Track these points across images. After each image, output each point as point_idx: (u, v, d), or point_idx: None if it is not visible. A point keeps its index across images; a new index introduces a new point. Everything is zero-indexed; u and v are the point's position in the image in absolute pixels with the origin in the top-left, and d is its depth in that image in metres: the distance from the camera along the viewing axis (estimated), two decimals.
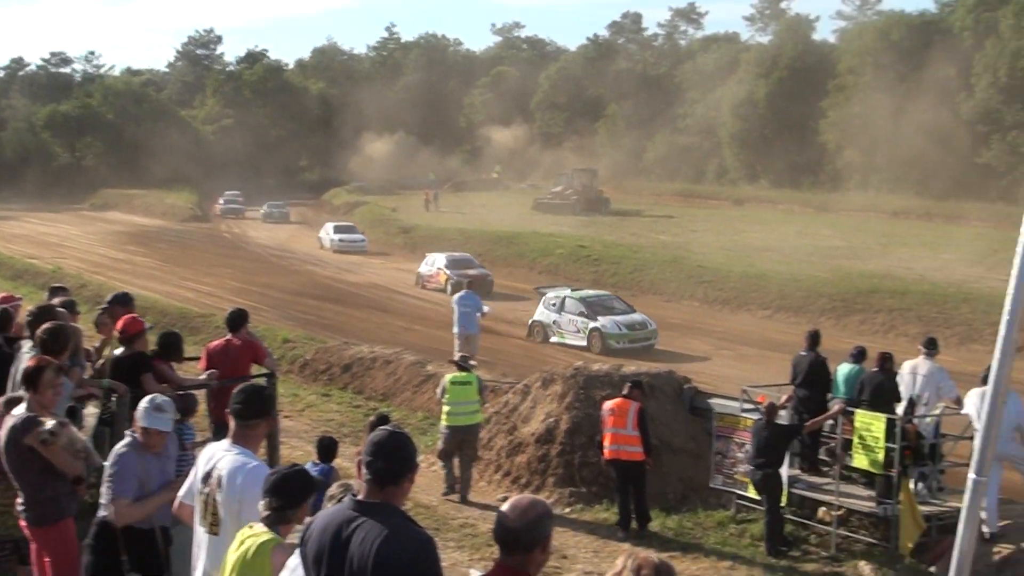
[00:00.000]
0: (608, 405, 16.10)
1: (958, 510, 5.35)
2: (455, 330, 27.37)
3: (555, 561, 14.05)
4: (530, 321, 34.51)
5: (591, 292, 36.09)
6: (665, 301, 42.59)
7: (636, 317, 33.32)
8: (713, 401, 18.13)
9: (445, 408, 17.78)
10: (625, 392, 16.14)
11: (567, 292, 34.60)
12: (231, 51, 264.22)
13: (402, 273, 51.92)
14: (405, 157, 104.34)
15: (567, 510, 16.87)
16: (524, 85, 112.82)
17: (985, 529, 14.12)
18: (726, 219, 68.48)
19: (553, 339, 33.30)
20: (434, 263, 46.23)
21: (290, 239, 69.00)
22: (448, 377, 18.08)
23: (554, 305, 33.87)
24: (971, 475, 5.20)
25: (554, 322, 33.60)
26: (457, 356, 19.30)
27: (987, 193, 65.41)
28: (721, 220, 67.66)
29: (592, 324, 32.46)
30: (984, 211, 61.50)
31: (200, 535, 6.78)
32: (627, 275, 46.93)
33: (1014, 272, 5.19)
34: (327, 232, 64.30)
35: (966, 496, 5.26)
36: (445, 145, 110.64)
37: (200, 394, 13.15)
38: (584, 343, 32.29)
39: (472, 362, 19.50)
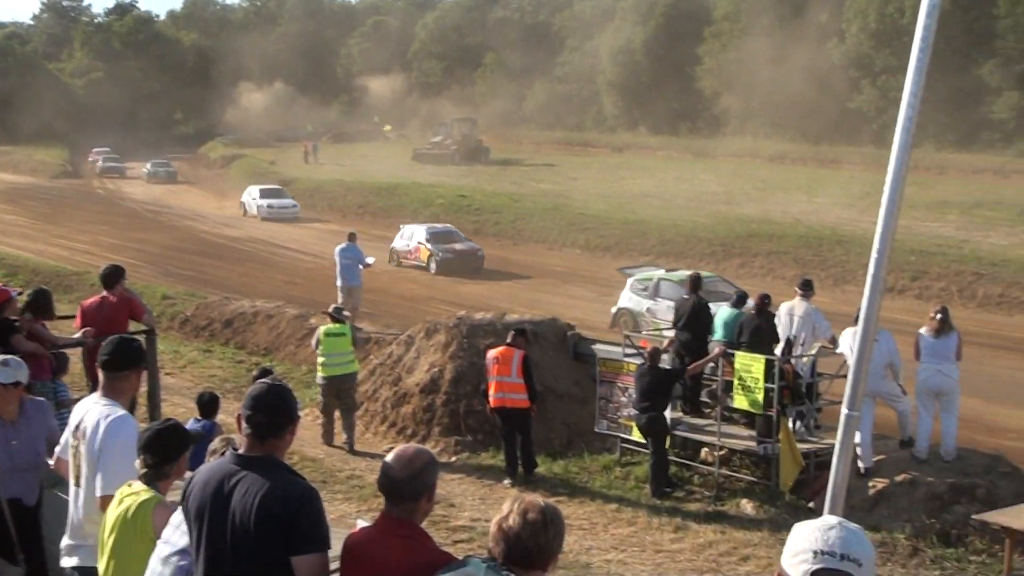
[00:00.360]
0: (492, 353, 16.13)
1: (835, 447, 5.49)
2: (338, 283, 27.15)
3: (442, 509, 14.11)
4: (614, 309, 28.18)
5: (689, 273, 30.18)
6: (547, 249, 42.85)
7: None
8: (596, 347, 18.29)
9: (320, 359, 17.90)
10: (509, 340, 16.18)
11: (660, 273, 28.32)
12: (99, 3, 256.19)
13: (282, 227, 51.45)
14: (283, 108, 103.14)
15: (453, 459, 16.95)
16: (402, 35, 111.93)
17: (860, 464, 14.53)
18: (606, 166, 69.00)
19: (648, 330, 26.38)
20: (412, 236, 40.02)
21: (171, 196, 67.57)
22: (322, 329, 18.17)
23: (645, 290, 27.62)
24: (844, 410, 5.35)
25: (647, 310, 27.24)
26: (331, 308, 19.18)
27: (859, 137, 66.84)
28: (601, 167, 68.14)
29: None
30: (857, 155, 62.89)
31: (72, 488, 6.72)
32: (508, 224, 47.07)
33: (882, 213, 5.32)
34: (251, 196, 57.11)
35: (839, 431, 5.41)
36: (323, 96, 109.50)
37: (77, 353, 12.89)
38: None
39: (346, 313, 19.55)
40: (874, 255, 5.37)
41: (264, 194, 56.98)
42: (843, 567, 2.98)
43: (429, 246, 38.84)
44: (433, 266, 38.30)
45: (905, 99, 5.39)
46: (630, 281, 28.20)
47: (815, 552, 3.01)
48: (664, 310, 26.13)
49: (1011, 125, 63.02)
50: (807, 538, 3.06)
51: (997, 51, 63.74)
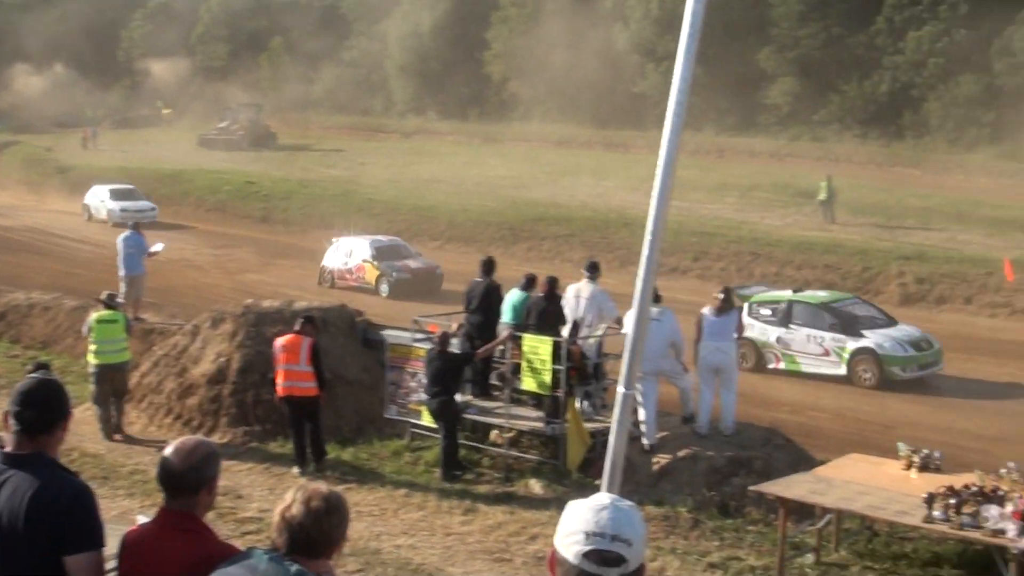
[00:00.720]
0: (280, 342, 15.91)
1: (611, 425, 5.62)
2: (120, 272, 26.34)
3: (230, 501, 13.91)
4: None
5: (825, 293, 25.85)
6: (337, 236, 42.44)
7: (913, 331, 23.95)
8: (386, 333, 18.28)
9: (92, 347, 17.52)
10: (297, 328, 15.99)
11: (788, 294, 24.58)
12: None
13: (60, 216, 49.63)
14: (62, 92, 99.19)
15: (242, 450, 16.69)
16: (187, 17, 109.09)
17: (645, 441, 14.94)
18: (396, 151, 68.79)
19: (778, 365, 23.58)
20: (352, 253, 33.74)
21: None
22: (94, 315, 17.78)
23: (771, 315, 23.91)
24: (620, 389, 5.47)
25: (778, 340, 23.56)
26: (103, 294, 18.63)
27: (645, 122, 68.28)
28: (390, 153, 67.91)
29: (857, 343, 22.86)
30: (642, 139, 64.26)
31: None
32: (297, 211, 46.54)
33: (655, 195, 5.46)
34: (99, 199, 48.54)
35: (615, 409, 5.53)
36: (105, 80, 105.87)
37: None
38: (841, 371, 22.97)
39: (119, 300, 19.08)
40: (648, 236, 5.51)
41: (116, 195, 48.35)
42: (614, 548, 2.97)
43: (377, 264, 32.89)
44: (385, 288, 32.38)
45: (675, 83, 5.55)
46: (748, 305, 23.94)
47: (586, 533, 3.00)
48: (802, 340, 23.23)
49: (785, 110, 65.54)
50: (579, 518, 3.04)
51: (772, 38, 66.07)
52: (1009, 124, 55.01)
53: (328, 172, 58.86)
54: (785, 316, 23.51)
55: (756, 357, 23.54)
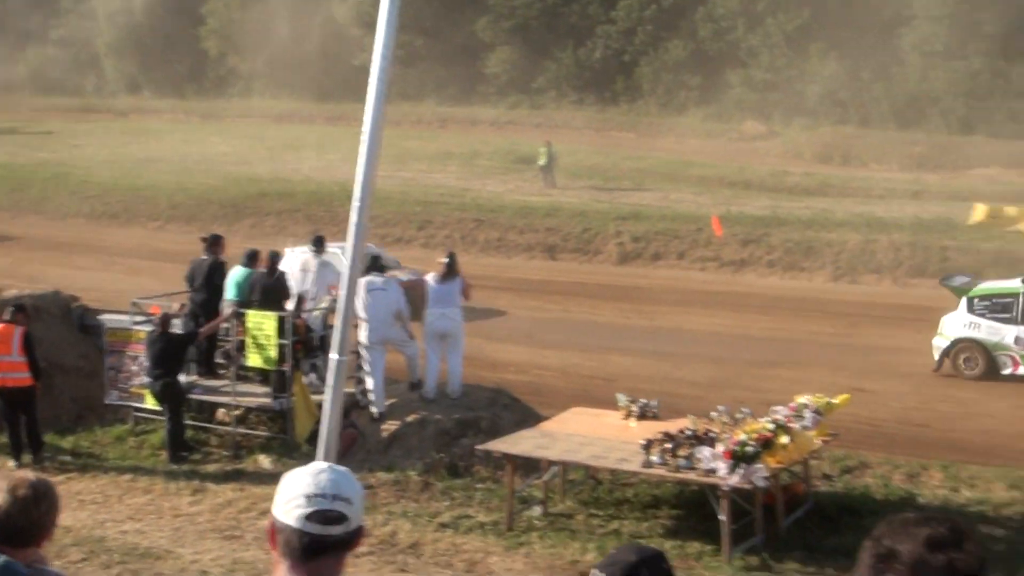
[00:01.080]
0: None
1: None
2: None
3: None
4: (941, 343, 20.46)
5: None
6: (48, 220, 40.73)
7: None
8: (103, 317, 17.79)
9: None
10: (8, 317, 15.41)
11: (1018, 285, 20.08)
12: None
13: None
14: None
15: None
16: None
17: (374, 409, 15.09)
18: (110, 132, 66.37)
19: (1016, 370, 19.61)
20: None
21: None
22: None
23: (1003, 311, 19.93)
24: (332, 356, 5.53)
25: (1016, 340, 19.62)
26: None
27: (364, 94, 68.06)
28: (105, 133, 65.48)
29: None
30: (363, 111, 63.95)
31: None
32: (5, 196, 44.30)
33: (360, 163, 5.54)
34: None
35: (329, 376, 5.59)
36: None
37: None
38: None
39: None
40: (355, 203, 5.57)
41: None
42: (335, 507, 3.06)
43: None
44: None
45: (377, 50, 5.63)
46: (967, 300, 20.47)
47: (307, 496, 3.07)
48: None
49: (504, 79, 66.64)
50: (298, 484, 3.11)
51: (489, 8, 66.95)
52: (714, 87, 57.74)
53: (37, 155, 56.23)
54: (1022, 311, 19.77)
55: (986, 361, 19.95)
